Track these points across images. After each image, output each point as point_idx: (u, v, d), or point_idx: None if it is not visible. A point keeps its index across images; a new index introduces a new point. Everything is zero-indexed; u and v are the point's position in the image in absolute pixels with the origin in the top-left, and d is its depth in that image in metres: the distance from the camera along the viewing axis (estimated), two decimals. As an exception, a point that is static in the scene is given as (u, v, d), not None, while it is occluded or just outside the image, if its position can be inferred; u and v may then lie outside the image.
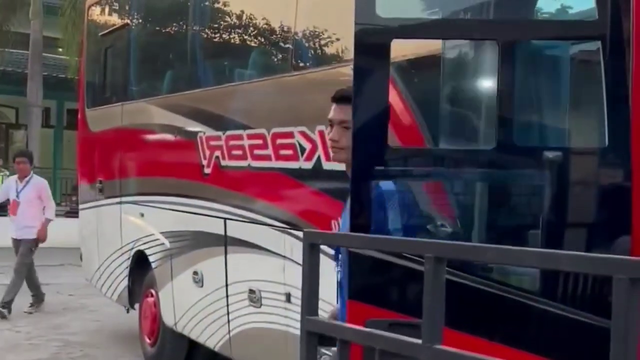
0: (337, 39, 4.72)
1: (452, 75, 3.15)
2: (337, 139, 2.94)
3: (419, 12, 2.79)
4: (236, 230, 5.68)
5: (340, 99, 2.97)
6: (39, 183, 9.66)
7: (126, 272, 7.53)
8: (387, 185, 2.80)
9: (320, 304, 2.37)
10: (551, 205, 2.76)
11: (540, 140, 2.95)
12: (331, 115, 3.00)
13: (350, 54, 4.05)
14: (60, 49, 19.60)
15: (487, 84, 2.94)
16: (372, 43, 2.64)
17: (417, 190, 3.01)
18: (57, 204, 20.55)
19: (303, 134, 4.75)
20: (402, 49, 3.10)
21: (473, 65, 3.09)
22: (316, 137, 4.59)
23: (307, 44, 5.13)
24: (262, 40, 5.82)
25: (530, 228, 2.80)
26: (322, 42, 4.99)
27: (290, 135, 4.88)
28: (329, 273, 3.57)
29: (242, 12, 5.96)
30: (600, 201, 2.70)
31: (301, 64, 5.13)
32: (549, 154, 2.66)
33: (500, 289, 2.68)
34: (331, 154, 3.02)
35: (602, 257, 1.60)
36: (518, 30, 2.69)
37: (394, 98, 3.15)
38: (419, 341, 1.97)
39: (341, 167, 4.15)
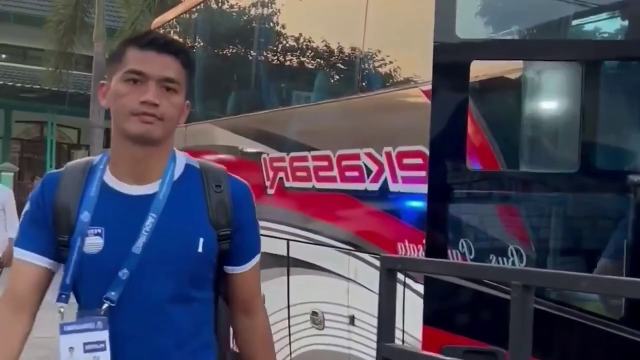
0: (405, 61, 4.68)
1: (533, 97, 3.08)
2: (158, 102, 1.89)
3: (499, 33, 2.74)
4: (299, 251, 5.65)
5: (163, 45, 1.96)
6: (2, 194, 8.29)
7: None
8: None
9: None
10: (635, 230, 2.67)
11: (624, 164, 2.87)
12: (144, 67, 1.91)
13: (417, 77, 4.02)
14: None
15: (569, 106, 2.87)
16: (451, 64, 2.60)
17: (496, 214, 2.94)
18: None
19: (370, 155, 4.70)
20: (481, 70, 3.04)
21: (555, 87, 3.01)
22: (383, 159, 4.54)
23: (374, 66, 5.10)
24: (328, 62, 5.82)
25: (612, 255, 2.71)
26: (390, 64, 4.95)
27: (356, 157, 4.84)
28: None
29: (310, 32, 5.96)
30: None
31: (368, 87, 5.10)
32: (634, 178, 2.57)
33: (582, 316, 2.60)
34: (135, 124, 1.89)
35: None
36: (602, 51, 2.62)
37: (473, 120, 3.09)
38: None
39: (409, 189, 4.12)
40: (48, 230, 1.95)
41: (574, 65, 2.67)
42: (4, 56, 25.15)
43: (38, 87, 21.11)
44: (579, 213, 2.86)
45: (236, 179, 2.05)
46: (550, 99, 3.07)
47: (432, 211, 2.64)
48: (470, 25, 2.67)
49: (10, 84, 22.02)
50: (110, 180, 1.97)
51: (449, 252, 2.68)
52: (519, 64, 2.99)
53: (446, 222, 2.63)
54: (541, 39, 2.91)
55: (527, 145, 3.10)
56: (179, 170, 2.00)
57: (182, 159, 2.03)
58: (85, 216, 1.91)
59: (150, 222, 1.90)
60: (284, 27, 6.45)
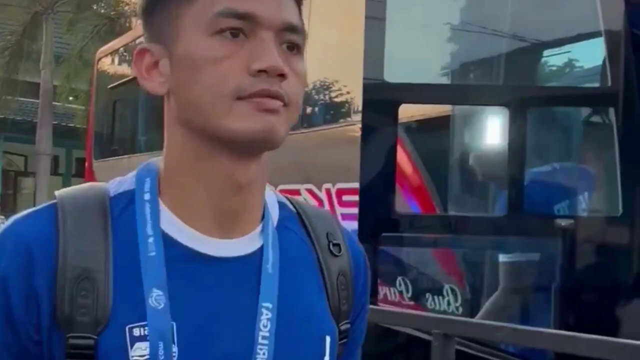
0: (345, 98, 4.70)
1: (463, 139, 3.10)
2: (286, 72, 0.89)
3: (426, 77, 2.75)
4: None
5: None
6: None
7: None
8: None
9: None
10: (563, 274, 2.68)
11: (552, 207, 2.89)
12: (253, 6, 0.90)
13: (357, 113, 4.03)
14: (71, 98, 19.74)
15: (498, 148, 2.89)
16: (379, 106, 2.60)
17: (425, 257, 2.93)
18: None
19: (310, 191, 4.69)
20: (412, 111, 3.05)
21: (484, 129, 3.04)
22: (323, 195, 4.53)
23: (316, 102, 5.10)
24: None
25: (542, 299, 2.72)
26: (331, 100, 4.96)
27: (296, 192, 4.83)
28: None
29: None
30: (612, 269, 2.62)
31: (310, 122, 5.11)
32: (561, 222, 2.59)
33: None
34: (248, 117, 0.88)
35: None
36: (527, 96, 2.64)
37: (402, 161, 3.09)
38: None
39: (348, 225, 4.11)
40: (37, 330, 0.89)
41: (500, 109, 2.69)
42: (-51, 82, 24.71)
43: (-17, 113, 20.78)
44: (508, 255, 2.87)
45: (352, 235, 1.10)
46: (479, 140, 3.09)
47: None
48: (399, 69, 2.67)
49: (-44, 109, 21.65)
50: (172, 225, 0.95)
51: (381, 292, 2.65)
52: (449, 106, 3.01)
53: (375, 265, 2.61)
54: (466, 85, 2.94)
55: (457, 187, 3.11)
56: (273, 212, 1.02)
57: (268, 193, 1.04)
58: (158, 297, 0.91)
59: (265, 317, 0.95)
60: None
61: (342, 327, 1.03)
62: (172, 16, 0.96)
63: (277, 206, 1.04)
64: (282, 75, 0.91)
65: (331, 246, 1.04)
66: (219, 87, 0.92)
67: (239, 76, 0.92)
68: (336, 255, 1.04)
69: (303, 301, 1.00)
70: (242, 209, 0.96)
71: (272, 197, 1.04)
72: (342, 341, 1.03)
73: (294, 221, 1.04)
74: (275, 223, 1.02)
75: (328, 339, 1.00)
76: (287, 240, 1.02)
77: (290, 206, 1.06)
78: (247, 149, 0.92)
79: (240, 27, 0.93)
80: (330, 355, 1.00)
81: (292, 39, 0.95)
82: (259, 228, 0.98)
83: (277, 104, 0.91)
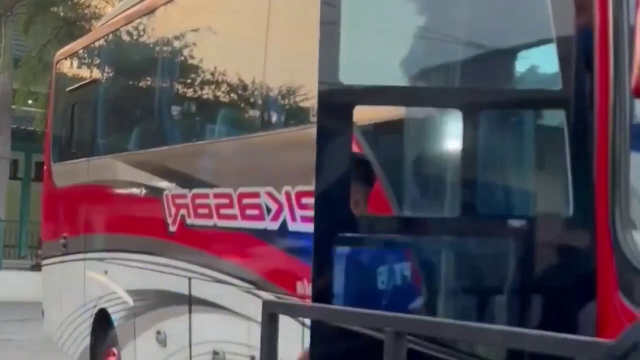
0: (303, 100, 4.72)
1: (417, 141, 3.14)
2: None
3: (382, 79, 2.77)
4: (201, 289, 5.58)
5: None
6: None
7: (88, 330, 7.35)
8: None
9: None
10: (515, 274, 2.72)
11: (504, 208, 2.93)
12: None
13: (314, 116, 4.05)
14: (30, 102, 19.49)
15: (450, 151, 2.93)
16: (335, 109, 2.62)
17: (380, 259, 2.96)
18: (23, 258, 20.26)
19: (269, 194, 4.70)
20: (366, 114, 3.08)
21: (438, 132, 3.07)
22: (282, 198, 4.54)
23: (274, 104, 5.11)
24: (231, 97, 5.81)
25: (495, 299, 2.76)
26: (289, 102, 4.98)
27: (256, 195, 4.83)
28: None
29: (212, 69, 5.95)
30: (565, 270, 2.67)
31: (269, 124, 5.11)
32: (514, 223, 2.63)
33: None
34: None
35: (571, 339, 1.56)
36: (481, 100, 2.68)
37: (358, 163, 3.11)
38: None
39: (308, 228, 4.13)
40: None
41: (454, 112, 2.73)
42: None
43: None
44: (461, 257, 2.91)
45: None
46: (433, 143, 3.13)
47: (316, 253, 2.64)
48: (355, 71, 2.69)
49: None
50: None
51: (336, 294, 2.67)
52: (404, 109, 3.04)
53: (330, 265, 2.63)
54: (420, 87, 2.97)
55: (412, 189, 3.14)
56: None
57: None
58: None
59: None
60: (190, 60, 6.42)
61: None
62: None
63: None
64: None
65: None
66: None
67: None
68: None
69: None
70: None
71: None
72: None
73: None
74: None
75: None
76: None
77: None
78: None
79: None
80: None
81: None
82: None
83: None
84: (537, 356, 2.55)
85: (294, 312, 2.39)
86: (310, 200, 4.00)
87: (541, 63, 2.80)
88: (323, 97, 2.60)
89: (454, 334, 1.77)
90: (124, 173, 6.82)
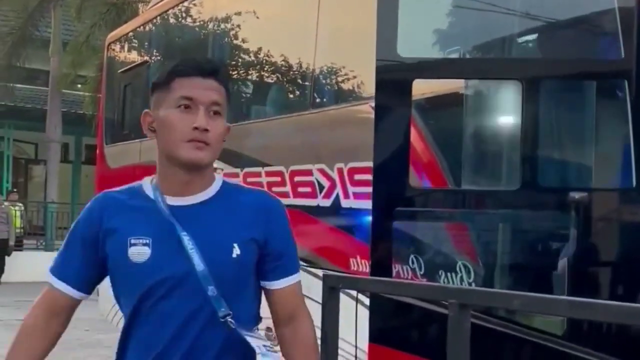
0: (354, 77, 4.70)
1: (475, 114, 3.11)
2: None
3: (440, 52, 2.75)
4: (253, 267, 5.61)
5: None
6: None
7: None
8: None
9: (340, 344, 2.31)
10: (576, 247, 2.69)
11: (565, 181, 2.89)
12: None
13: (368, 92, 4.03)
14: (79, 85, 19.77)
15: (510, 123, 2.90)
16: (393, 83, 2.61)
17: (439, 232, 2.95)
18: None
19: (322, 171, 4.71)
20: (424, 88, 3.06)
21: (496, 104, 3.04)
22: (335, 175, 4.55)
23: (325, 82, 5.11)
24: (281, 77, 5.82)
25: (555, 273, 2.73)
26: (341, 80, 4.96)
27: (309, 173, 4.84)
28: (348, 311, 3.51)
29: (263, 47, 5.96)
30: (627, 242, 2.63)
31: (320, 102, 5.11)
32: (575, 195, 2.60)
33: (527, 333, 2.61)
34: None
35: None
36: (541, 70, 2.65)
37: (415, 137, 3.10)
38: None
39: (360, 204, 4.13)
40: None
41: (514, 83, 2.70)
42: (-42, 70, 24.75)
43: (-7, 101, 20.82)
44: (521, 230, 2.88)
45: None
46: (492, 116, 3.10)
47: (375, 227, 2.64)
48: (412, 44, 2.68)
49: (-35, 98, 21.69)
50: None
51: (395, 268, 2.67)
52: (462, 81, 3.01)
53: (389, 239, 2.63)
54: (480, 58, 2.94)
55: (470, 162, 3.12)
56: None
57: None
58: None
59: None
60: (239, 41, 6.44)
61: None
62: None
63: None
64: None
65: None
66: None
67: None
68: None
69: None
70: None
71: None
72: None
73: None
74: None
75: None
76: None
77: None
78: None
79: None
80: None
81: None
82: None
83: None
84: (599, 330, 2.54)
85: (356, 285, 2.40)
86: (363, 176, 4.01)
87: (603, 32, 2.76)
88: (381, 72, 2.59)
89: (520, 305, 1.76)
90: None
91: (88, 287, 2.15)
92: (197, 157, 1.98)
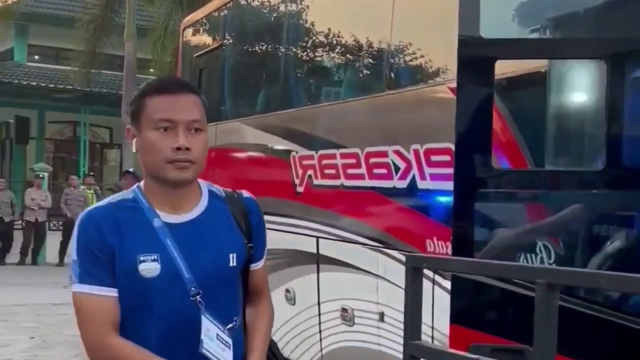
0: (432, 58, 4.68)
1: (557, 94, 3.07)
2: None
3: (522, 32, 2.74)
4: (329, 248, 5.68)
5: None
6: None
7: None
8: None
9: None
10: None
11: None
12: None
13: (446, 73, 4.02)
14: (152, 70, 20.11)
15: (594, 103, 2.86)
16: (475, 62, 2.60)
17: (520, 213, 2.94)
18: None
19: (397, 152, 4.72)
20: (505, 67, 3.04)
21: (580, 84, 3.00)
22: (411, 156, 4.55)
23: (401, 63, 5.10)
24: (356, 59, 5.83)
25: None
26: (417, 60, 4.95)
27: (384, 154, 4.85)
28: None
29: (338, 29, 5.97)
30: None
31: (396, 83, 5.11)
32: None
33: (612, 314, 2.59)
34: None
35: None
36: (625, 49, 2.61)
37: (497, 118, 3.09)
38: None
39: (437, 185, 4.13)
40: None
41: (598, 62, 2.66)
42: (36, 57, 25.44)
43: (70, 87, 21.33)
44: (605, 210, 2.85)
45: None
46: (575, 96, 3.06)
47: (457, 208, 2.65)
48: (495, 24, 2.67)
49: (43, 84, 22.28)
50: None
51: (476, 250, 2.67)
52: (544, 61, 2.98)
53: (472, 220, 2.64)
54: (563, 37, 2.90)
55: (553, 143, 3.09)
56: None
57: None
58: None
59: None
60: (312, 23, 6.46)
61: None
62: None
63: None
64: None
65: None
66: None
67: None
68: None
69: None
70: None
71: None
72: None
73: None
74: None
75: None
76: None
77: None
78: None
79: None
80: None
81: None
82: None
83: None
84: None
85: (440, 265, 2.42)
86: (439, 157, 4.00)
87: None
88: (463, 52, 2.59)
89: (610, 285, 1.75)
90: (250, 136, 6.97)
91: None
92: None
